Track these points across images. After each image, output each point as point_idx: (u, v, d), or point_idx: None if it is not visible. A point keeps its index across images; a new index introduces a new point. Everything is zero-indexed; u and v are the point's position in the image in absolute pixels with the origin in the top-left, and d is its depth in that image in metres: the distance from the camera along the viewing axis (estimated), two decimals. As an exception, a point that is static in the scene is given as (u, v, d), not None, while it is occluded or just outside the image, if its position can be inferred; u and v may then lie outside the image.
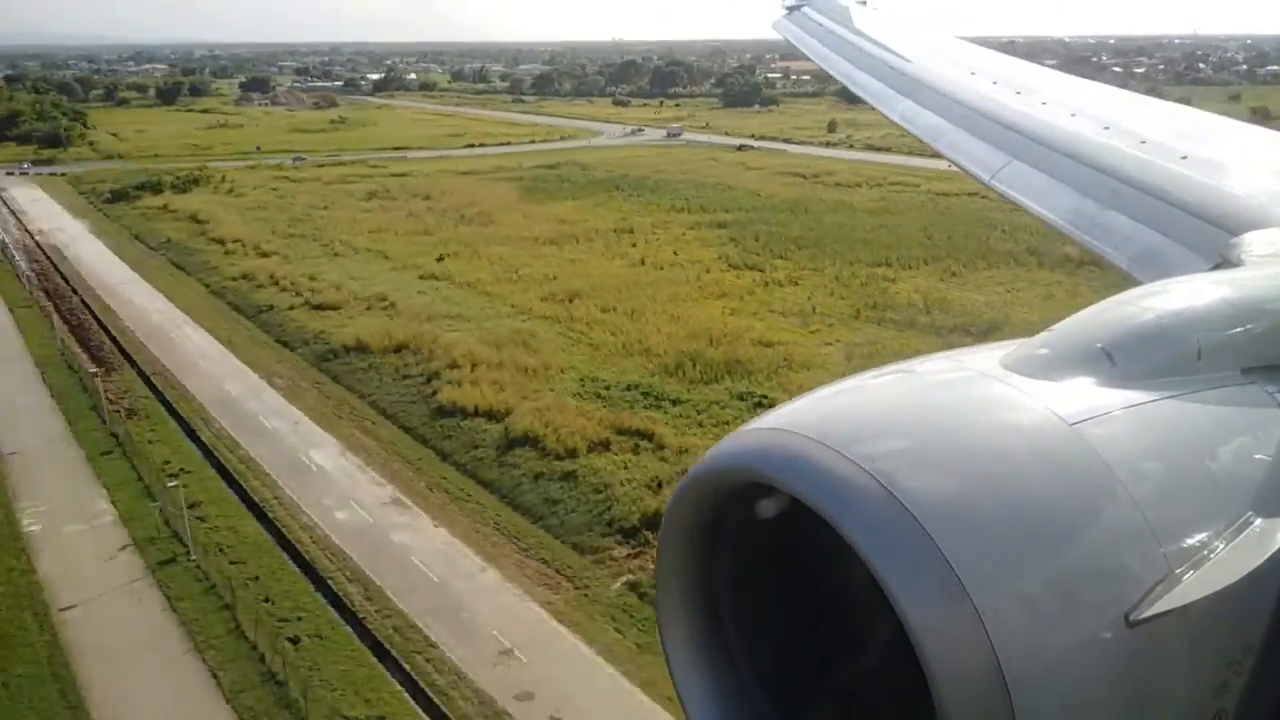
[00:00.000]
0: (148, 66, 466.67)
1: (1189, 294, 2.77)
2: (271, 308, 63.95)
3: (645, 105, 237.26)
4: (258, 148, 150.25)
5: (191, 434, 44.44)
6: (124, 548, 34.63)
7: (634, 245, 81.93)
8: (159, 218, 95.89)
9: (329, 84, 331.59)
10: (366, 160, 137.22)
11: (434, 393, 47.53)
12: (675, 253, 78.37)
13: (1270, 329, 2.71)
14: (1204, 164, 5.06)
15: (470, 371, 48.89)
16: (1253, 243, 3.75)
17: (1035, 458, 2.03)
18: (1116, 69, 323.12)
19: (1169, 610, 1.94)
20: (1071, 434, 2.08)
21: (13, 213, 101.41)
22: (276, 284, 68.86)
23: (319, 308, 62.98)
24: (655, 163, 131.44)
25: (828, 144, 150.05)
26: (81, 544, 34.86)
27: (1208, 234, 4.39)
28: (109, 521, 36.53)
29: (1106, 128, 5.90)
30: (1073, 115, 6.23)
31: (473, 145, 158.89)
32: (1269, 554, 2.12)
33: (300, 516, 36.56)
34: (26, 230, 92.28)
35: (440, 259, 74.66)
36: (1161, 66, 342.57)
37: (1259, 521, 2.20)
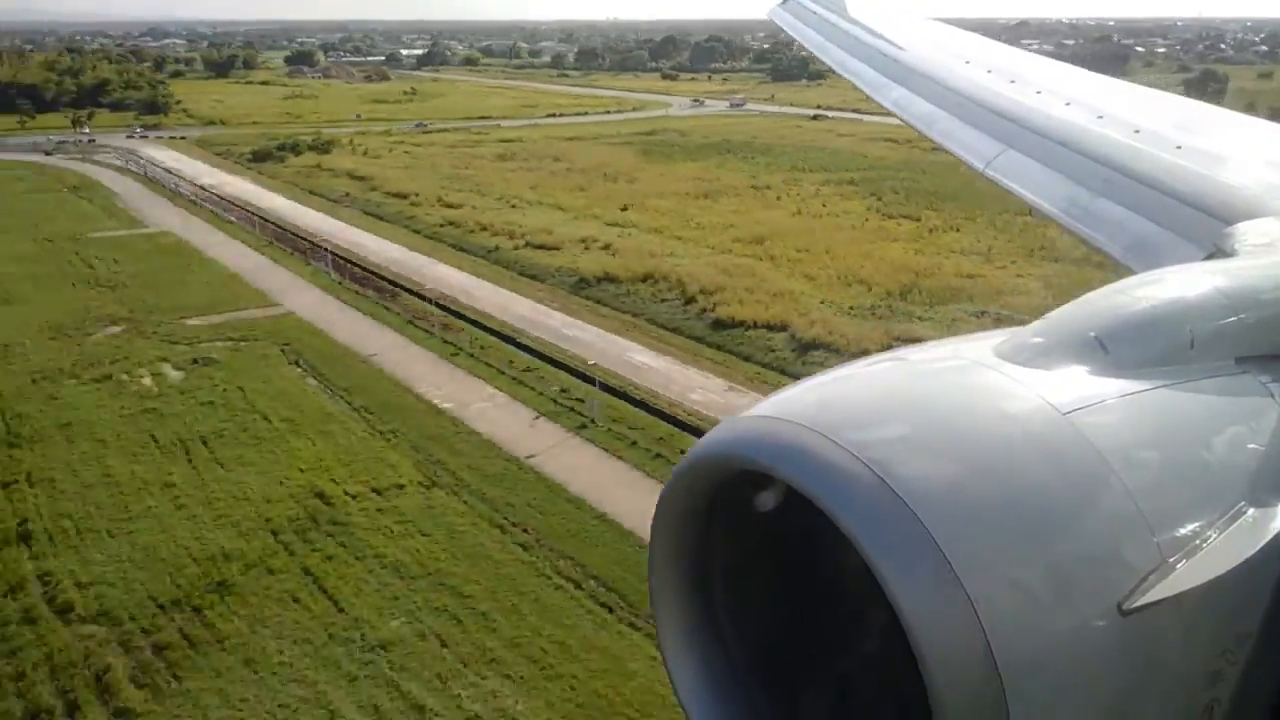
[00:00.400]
0: (168, 42, 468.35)
1: (1182, 283, 2.79)
2: (497, 248, 71.09)
3: (693, 79, 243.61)
4: (358, 115, 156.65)
5: (512, 341, 51.73)
6: (536, 419, 42.02)
7: (779, 199, 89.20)
8: (318, 175, 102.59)
9: (365, 59, 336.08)
10: (467, 128, 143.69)
11: (702, 310, 54.89)
12: (823, 205, 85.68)
13: (1263, 318, 2.73)
14: (1198, 153, 5.07)
15: (729, 294, 56.25)
16: (1246, 232, 3.78)
17: (1028, 446, 2.05)
18: (1139, 49, 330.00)
19: (1162, 599, 1.96)
20: (1065, 423, 2.10)
21: (167, 171, 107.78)
22: (485, 229, 75.96)
23: (540, 247, 70.19)
24: (745, 130, 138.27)
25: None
26: (497, 416, 42.21)
27: (1201, 223, 4.40)
28: (505, 401, 43.91)
29: (1100, 116, 5.93)
30: (1067, 104, 6.29)
31: (553, 115, 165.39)
32: (1262, 543, 2.14)
33: (662, 396, 43.95)
34: (198, 185, 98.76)
35: (624, 209, 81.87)
36: (1179, 48, 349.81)
37: (1252, 511, 2.21)
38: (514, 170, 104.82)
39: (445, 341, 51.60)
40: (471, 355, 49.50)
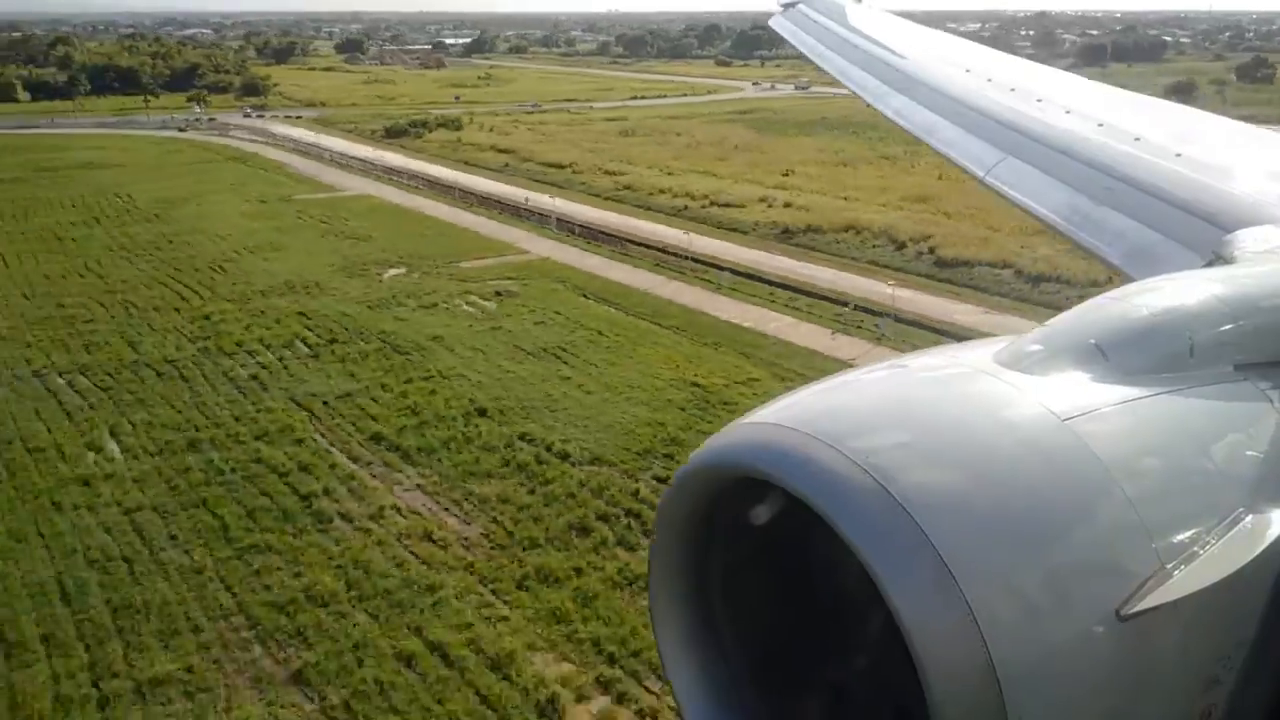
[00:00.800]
0: (193, 32, 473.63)
1: (1182, 290, 2.82)
2: (686, 207, 77.76)
3: (745, 65, 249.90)
4: (457, 97, 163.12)
5: (763, 279, 58.41)
6: (834, 334, 48.78)
7: (912, 166, 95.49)
8: (462, 149, 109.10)
9: (407, 47, 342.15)
10: (565, 109, 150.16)
11: (919, 254, 61.68)
12: (961, 172, 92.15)
13: (1262, 326, 2.77)
14: (1197, 161, 5.18)
15: (937, 240, 62.96)
16: (1245, 240, 3.83)
17: (1028, 453, 2.07)
18: (1166, 38, 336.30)
19: (1159, 605, 1.97)
20: (1064, 430, 2.13)
21: (312, 145, 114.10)
22: (664, 192, 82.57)
23: (726, 205, 76.86)
24: (833, 109, 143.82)
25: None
26: (797, 332, 48.90)
27: (1201, 231, 4.45)
28: (793, 322, 50.62)
29: (1101, 125, 6.03)
30: (1067, 112, 6.40)
31: (635, 97, 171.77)
32: (1259, 550, 2.15)
33: (930, 316, 50.72)
34: (354, 157, 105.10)
35: (786, 174, 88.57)
36: (1201, 38, 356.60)
37: (1250, 518, 2.23)
38: (644, 144, 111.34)
39: (701, 279, 58.34)
40: (733, 289, 56.24)
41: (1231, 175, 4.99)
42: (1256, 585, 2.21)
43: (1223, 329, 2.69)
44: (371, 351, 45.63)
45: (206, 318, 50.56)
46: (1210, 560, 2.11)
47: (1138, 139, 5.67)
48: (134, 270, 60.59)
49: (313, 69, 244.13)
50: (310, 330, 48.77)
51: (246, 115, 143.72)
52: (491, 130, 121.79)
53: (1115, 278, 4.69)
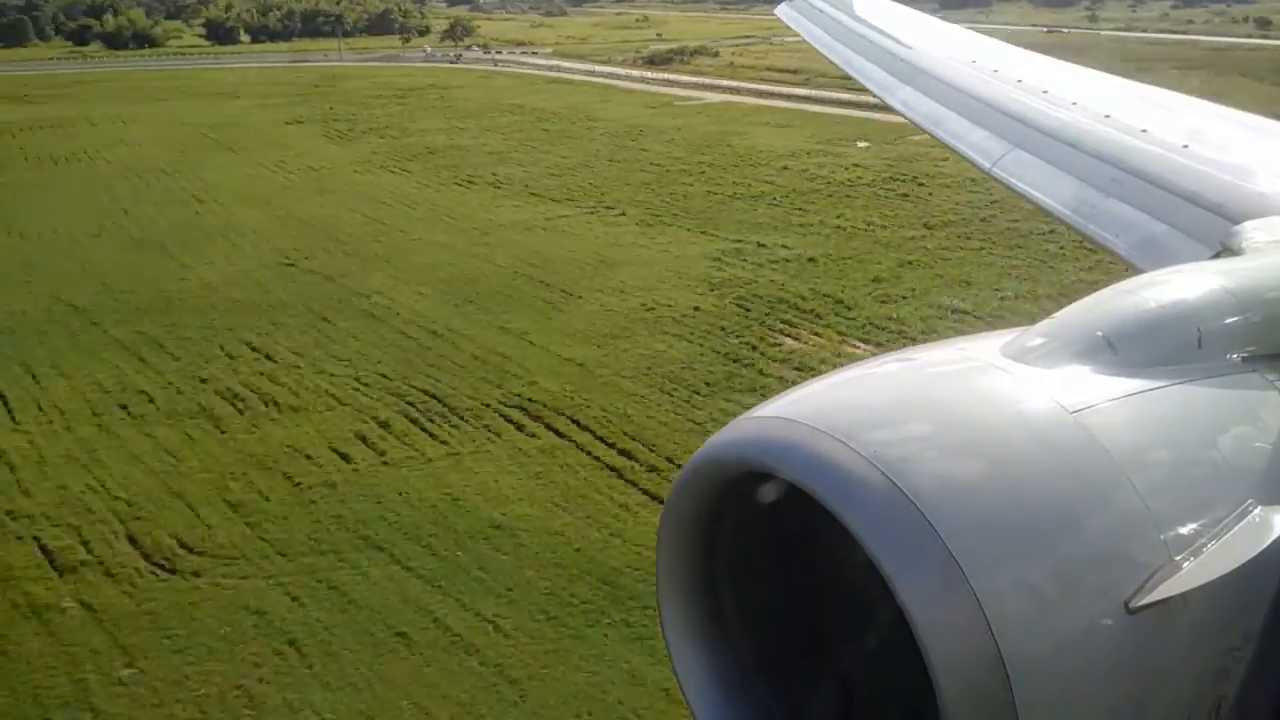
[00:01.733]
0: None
1: (1190, 282, 2.83)
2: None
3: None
4: (658, 34, 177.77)
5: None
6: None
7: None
8: (740, 71, 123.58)
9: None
10: (766, 41, 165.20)
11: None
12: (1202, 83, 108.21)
13: (1270, 317, 2.79)
14: (1205, 153, 5.26)
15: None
16: (1253, 231, 3.83)
17: (1036, 446, 2.10)
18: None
19: (1168, 597, 1.99)
20: (1072, 422, 2.15)
21: (600, 71, 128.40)
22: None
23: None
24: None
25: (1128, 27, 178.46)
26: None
27: (1208, 222, 4.52)
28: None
29: (1107, 116, 6.10)
30: (1073, 104, 6.50)
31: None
32: (1268, 542, 2.17)
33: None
34: (662, 79, 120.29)
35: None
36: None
37: (1259, 509, 2.25)
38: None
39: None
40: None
41: (1239, 167, 5.05)
42: (1266, 577, 2.23)
43: (1231, 321, 2.72)
44: (960, 185, 61.81)
45: (785, 168, 66.77)
46: (1219, 552, 2.13)
47: (1144, 130, 5.79)
48: (657, 144, 76.21)
49: (440, 17, 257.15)
50: (883, 175, 64.70)
51: (486, 52, 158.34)
52: (743, 55, 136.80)
53: (1123, 269, 4.79)
